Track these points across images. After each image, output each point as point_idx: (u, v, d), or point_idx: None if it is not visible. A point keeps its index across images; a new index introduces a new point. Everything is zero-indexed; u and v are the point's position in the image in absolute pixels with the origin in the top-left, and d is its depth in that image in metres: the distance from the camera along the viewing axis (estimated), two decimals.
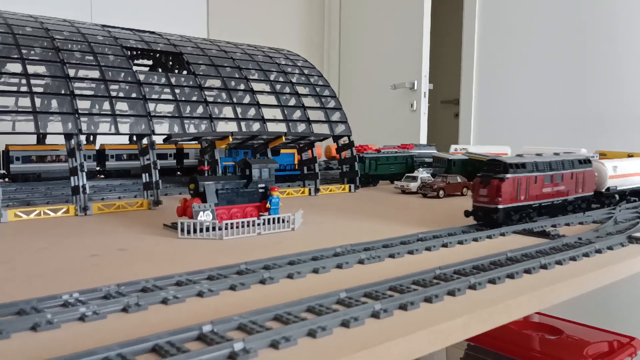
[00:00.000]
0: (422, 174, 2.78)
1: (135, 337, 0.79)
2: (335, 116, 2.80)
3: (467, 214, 1.81)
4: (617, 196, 2.28)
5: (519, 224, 1.79)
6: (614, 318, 3.54)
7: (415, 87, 5.40)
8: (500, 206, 1.71)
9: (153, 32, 2.70)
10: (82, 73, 2.22)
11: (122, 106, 2.28)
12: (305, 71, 2.91)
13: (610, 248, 1.52)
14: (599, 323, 2.56)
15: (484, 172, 1.78)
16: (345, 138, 2.81)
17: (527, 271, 1.27)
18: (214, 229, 1.59)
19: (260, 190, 1.76)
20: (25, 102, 1.97)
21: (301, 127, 2.64)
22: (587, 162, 2.06)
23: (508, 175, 1.72)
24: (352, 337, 0.87)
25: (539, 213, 1.87)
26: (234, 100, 2.48)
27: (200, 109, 2.40)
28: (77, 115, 1.99)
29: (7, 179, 2.70)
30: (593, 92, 4.40)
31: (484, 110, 5.21)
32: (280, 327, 0.86)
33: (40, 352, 0.76)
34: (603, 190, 2.19)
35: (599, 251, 1.47)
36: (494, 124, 5.13)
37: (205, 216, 1.61)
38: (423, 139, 5.38)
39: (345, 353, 0.80)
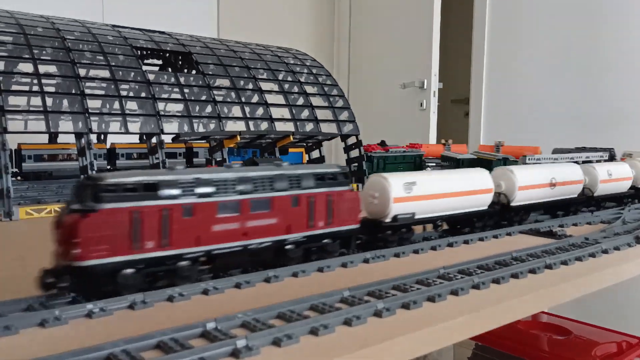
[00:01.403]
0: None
1: (140, 333, 0.81)
2: (343, 115, 2.80)
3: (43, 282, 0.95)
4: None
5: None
6: (623, 318, 3.52)
7: (425, 86, 5.39)
8: (82, 263, 0.93)
9: (163, 32, 2.72)
10: (92, 73, 2.24)
11: (132, 106, 2.30)
12: (314, 70, 2.92)
13: (617, 248, 1.52)
14: (607, 323, 2.55)
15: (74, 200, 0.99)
16: (354, 137, 2.81)
17: (532, 271, 1.27)
18: None
19: None
20: (36, 101, 2.00)
21: (309, 127, 2.65)
22: (335, 177, 1.30)
23: (104, 206, 0.95)
24: (354, 335, 0.88)
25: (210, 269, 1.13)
26: (243, 99, 2.50)
27: (208, 109, 2.42)
28: (87, 115, 2.01)
29: (19, 178, 2.74)
30: (608, 89, 4.36)
31: (495, 109, 5.19)
32: (283, 325, 0.87)
33: (48, 347, 0.78)
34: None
35: (605, 251, 1.47)
36: (505, 123, 5.10)
37: None
38: (433, 139, 5.37)
39: (347, 351, 0.81)
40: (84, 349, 0.75)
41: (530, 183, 1.83)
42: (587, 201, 2.10)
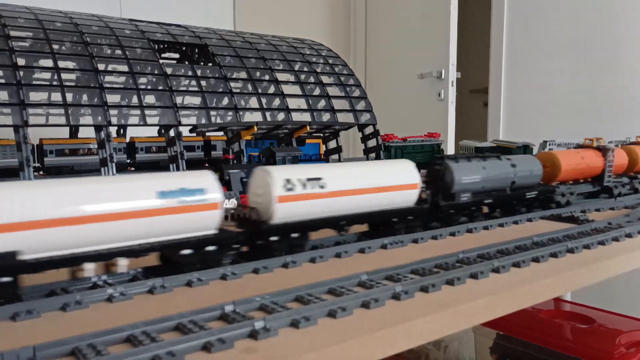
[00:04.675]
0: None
1: (159, 316, 0.81)
2: (360, 105, 2.79)
3: None
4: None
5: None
6: None
7: (443, 76, 5.33)
8: None
9: (179, 25, 2.73)
10: (110, 67, 2.26)
11: (150, 99, 2.32)
12: (330, 60, 2.91)
13: None
14: (632, 312, 2.50)
15: None
16: (371, 127, 2.79)
17: (554, 255, 1.25)
18: None
19: None
20: (57, 96, 2.02)
21: (326, 117, 2.64)
22: None
23: None
24: (372, 317, 0.87)
25: None
26: (259, 90, 2.49)
27: (225, 100, 2.43)
28: (106, 108, 2.03)
29: (41, 172, 2.78)
30: (628, 80, 4.27)
31: (514, 98, 5.12)
32: (301, 308, 0.87)
33: (69, 330, 0.79)
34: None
35: (629, 235, 1.44)
36: (525, 112, 5.03)
37: (230, 204, 1.63)
38: (451, 129, 5.31)
39: (365, 332, 0.81)
40: (104, 330, 0.76)
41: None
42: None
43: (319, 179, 1.22)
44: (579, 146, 2.34)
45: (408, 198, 1.43)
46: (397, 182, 1.38)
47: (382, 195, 1.35)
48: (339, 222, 1.30)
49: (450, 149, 5.03)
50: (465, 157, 1.60)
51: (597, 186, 2.10)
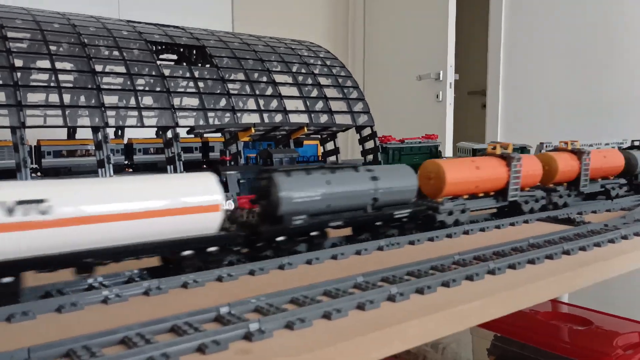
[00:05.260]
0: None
1: (155, 318, 0.81)
2: (358, 107, 2.79)
3: None
4: None
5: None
6: None
7: (441, 78, 5.33)
8: None
9: (177, 27, 2.73)
10: (108, 68, 2.27)
11: (147, 100, 2.32)
12: (328, 62, 2.91)
13: (637, 234, 1.49)
14: (629, 314, 2.51)
15: None
16: (368, 128, 2.80)
17: (549, 257, 1.25)
18: None
19: None
20: (54, 98, 2.02)
21: (323, 118, 2.64)
22: None
23: None
24: (367, 319, 0.87)
25: None
26: (257, 92, 2.50)
27: (223, 102, 2.43)
28: (103, 109, 2.03)
29: (39, 173, 2.78)
30: (627, 81, 4.27)
31: (512, 100, 5.12)
32: (296, 309, 0.87)
33: (64, 332, 0.79)
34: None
35: (625, 237, 1.45)
36: (523, 114, 5.03)
37: (227, 205, 1.63)
38: (449, 131, 5.32)
39: (360, 334, 0.81)
40: (99, 332, 0.76)
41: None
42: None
43: (39, 201, 0.88)
44: (478, 154, 2.14)
45: (203, 224, 1.08)
46: (183, 203, 1.04)
47: (152, 221, 1.00)
48: (78, 261, 0.94)
49: (448, 151, 5.03)
50: (303, 170, 1.27)
51: (500, 201, 1.74)
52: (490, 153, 1.83)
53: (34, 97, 2.07)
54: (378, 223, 1.40)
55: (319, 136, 2.86)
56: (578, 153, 2.00)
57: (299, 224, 1.22)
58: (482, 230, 1.55)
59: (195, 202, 1.07)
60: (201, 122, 2.42)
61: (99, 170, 2.02)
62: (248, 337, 0.78)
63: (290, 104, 2.55)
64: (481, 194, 1.72)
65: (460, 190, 1.63)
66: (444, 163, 1.58)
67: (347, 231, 1.40)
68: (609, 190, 2.14)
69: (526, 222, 1.68)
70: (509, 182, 1.70)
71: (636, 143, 2.54)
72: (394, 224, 1.44)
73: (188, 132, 2.23)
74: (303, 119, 2.55)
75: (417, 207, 1.47)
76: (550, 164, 1.95)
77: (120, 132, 3.20)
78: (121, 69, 2.23)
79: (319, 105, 2.66)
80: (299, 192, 1.22)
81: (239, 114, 2.38)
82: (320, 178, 1.26)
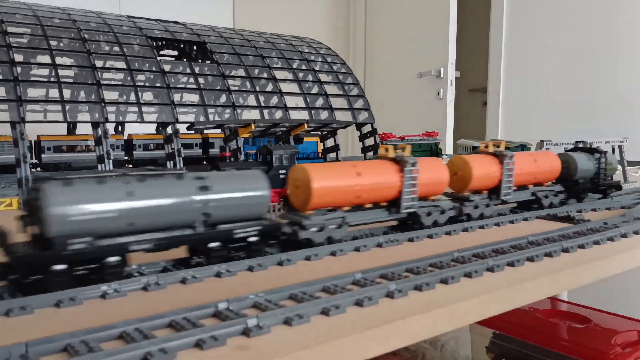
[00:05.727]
0: (446, 161, 2.75)
1: (153, 313, 0.81)
2: (358, 104, 2.79)
3: None
4: None
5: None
6: None
7: (442, 75, 5.33)
8: None
9: (177, 22, 2.73)
10: (108, 64, 2.26)
11: (148, 96, 2.32)
12: (328, 59, 2.91)
13: (636, 232, 1.49)
14: (628, 312, 2.51)
15: None
16: (369, 125, 2.79)
17: (548, 254, 1.25)
18: None
19: (281, 176, 1.78)
20: (54, 93, 2.02)
21: (324, 115, 2.64)
22: None
23: None
24: (365, 315, 0.87)
25: None
26: (257, 88, 2.50)
27: (223, 98, 2.42)
28: (103, 104, 2.03)
29: (39, 169, 2.78)
30: (627, 79, 4.27)
31: (513, 98, 5.12)
32: (294, 305, 0.87)
33: (62, 326, 0.79)
34: None
35: (624, 235, 1.44)
36: (524, 111, 5.03)
37: None
38: (449, 128, 5.32)
39: (358, 330, 0.81)
40: (97, 327, 0.76)
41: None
42: None
43: None
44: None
45: None
46: None
47: None
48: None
49: (448, 148, 5.03)
50: (95, 178, 0.99)
51: (394, 213, 1.43)
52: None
53: (34, 92, 2.07)
54: (213, 245, 1.12)
55: (319, 133, 2.86)
56: (500, 156, 1.71)
57: (80, 248, 0.94)
58: (482, 227, 1.55)
59: None
60: (201, 118, 2.42)
61: (99, 165, 2.02)
62: (246, 332, 0.78)
63: (290, 101, 2.55)
64: (369, 205, 1.40)
65: (335, 202, 1.31)
66: (311, 169, 1.27)
67: (182, 253, 1.14)
68: (540, 198, 1.84)
69: (525, 220, 1.68)
70: (402, 190, 1.41)
71: (580, 144, 2.22)
72: (239, 245, 1.15)
73: (188, 128, 2.23)
74: (303, 115, 2.55)
75: (269, 223, 1.18)
76: (463, 169, 1.66)
77: (120, 127, 3.20)
78: (121, 64, 2.23)
79: (320, 102, 2.66)
80: (80, 206, 0.94)
81: (239, 110, 2.38)
82: (119, 188, 0.99)
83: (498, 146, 1.77)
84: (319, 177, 1.26)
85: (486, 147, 1.78)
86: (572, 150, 2.18)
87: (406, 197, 1.42)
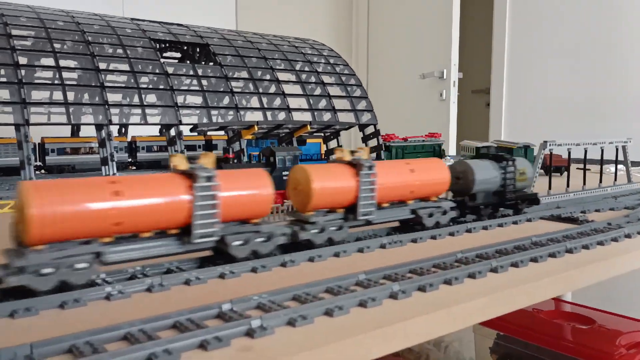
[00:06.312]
0: (449, 162, 2.75)
1: (157, 314, 0.82)
2: (361, 105, 2.79)
3: None
4: None
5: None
6: None
7: (445, 76, 5.33)
8: None
9: (180, 25, 2.74)
10: (112, 66, 2.27)
11: (151, 98, 2.33)
12: (331, 60, 2.91)
13: None
14: (633, 313, 2.50)
15: None
16: (371, 127, 2.80)
17: (552, 255, 1.25)
18: None
19: (284, 178, 1.78)
20: (58, 95, 2.03)
21: (326, 116, 2.64)
22: None
23: None
24: (369, 316, 0.87)
25: None
26: (260, 90, 2.50)
27: (226, 100, 2.43)
28: (107, 107, 2.04)
29: (43, 171, 2.79)
30: (630, 81, 4.26)
31: (516, 99, 5.11)
32: (298, 306, 0.87)
33: (66, 328, 0.79)
34: None
35: (628, 236, 1.44)
36: (527, 112, 5.02)
37: None
38: (452, 129, 5.31)
39: (361, 331, 0.81)
40: (102, 328, 0.76)
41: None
42: None
43: None
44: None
45: None
46: None
47: None
48: None
49: (451, 149, 5.03)
50: None
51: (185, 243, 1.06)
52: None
53: (38, 95, 2.08)
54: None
55: (322, 134, 2.87)
56: (357, 166, 1.30)
57: None
58: (485, 228, 1.55)
59: None
60: (204, 120, 2.43)
61: (103, 167, 2.03)
62: (250, 333, 0.79)
63: (293, 102, 2.56)
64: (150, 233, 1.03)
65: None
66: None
67: None
68: (421, 217, 1.45)
69: (529, 220, 1.68)
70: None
71: (483, 150, 1.80)
72: None
73: (191, 130, 2.24)
74: (306, 117, 2.56)
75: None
76: (303, 183, 1.25)
77: (123, 129, 3.20)
78: (125, 66, 2.24)
79: (322, 103, 2.66)
80: None
81: (242, 112, 2.39)
82: None
83: (354, 152, 1.35)
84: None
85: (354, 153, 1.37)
86: (477, 156, 1.86)
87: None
